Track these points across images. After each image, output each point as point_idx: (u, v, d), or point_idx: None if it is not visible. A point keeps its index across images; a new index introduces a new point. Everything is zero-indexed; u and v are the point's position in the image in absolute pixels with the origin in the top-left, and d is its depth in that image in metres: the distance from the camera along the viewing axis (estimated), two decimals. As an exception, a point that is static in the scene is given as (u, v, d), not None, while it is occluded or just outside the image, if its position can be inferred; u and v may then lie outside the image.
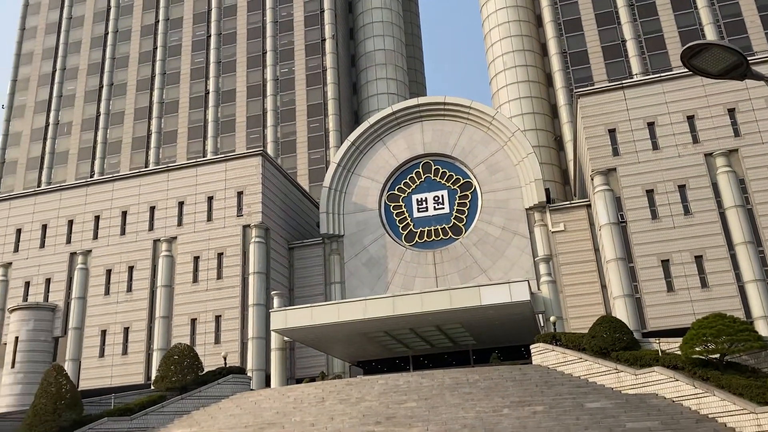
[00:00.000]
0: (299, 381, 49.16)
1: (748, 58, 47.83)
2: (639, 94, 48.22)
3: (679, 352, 30.66)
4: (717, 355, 28.67)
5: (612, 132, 47.95)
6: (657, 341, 34.35)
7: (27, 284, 57.64)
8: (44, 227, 59.09)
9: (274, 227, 55.38)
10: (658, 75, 49.11)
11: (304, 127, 78.30)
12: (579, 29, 72.01)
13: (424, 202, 55.14)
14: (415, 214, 55.10)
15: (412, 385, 35.01)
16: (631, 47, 69.04)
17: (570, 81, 70.59)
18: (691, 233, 43.94)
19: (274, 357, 47.85)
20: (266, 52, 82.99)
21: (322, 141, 77.19)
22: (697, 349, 28.49)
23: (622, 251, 45.17)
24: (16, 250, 59.02)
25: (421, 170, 56.30)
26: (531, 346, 38.35)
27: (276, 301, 46.58)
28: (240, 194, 54.64)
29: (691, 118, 46.66)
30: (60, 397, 36.64)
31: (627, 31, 69.71)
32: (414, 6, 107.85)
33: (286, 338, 47.23)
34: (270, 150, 76.95)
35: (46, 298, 56.62)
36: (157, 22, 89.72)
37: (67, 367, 52.20)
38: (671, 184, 45.42)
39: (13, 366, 52.66)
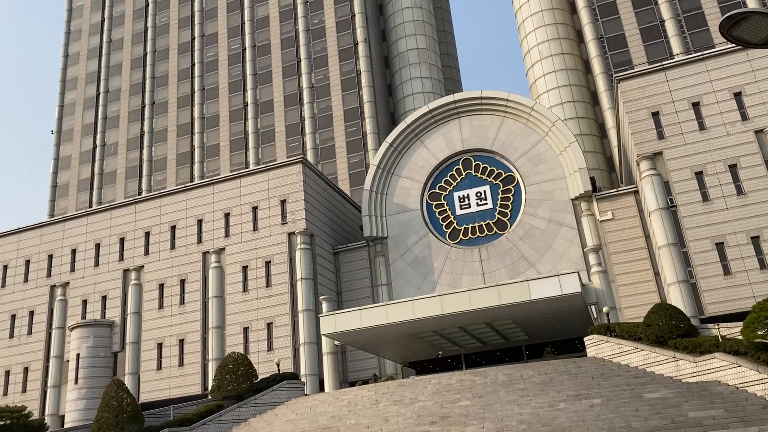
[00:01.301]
0: (352, 384, 49.37)
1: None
2: (681, 75, 46.87)
3: (740, 337, 29.59)
4: (781, 338, 27.57)
5: (655, 115, 46.73)
6: (716, 327, 33.31)
7: (84, 302, 59.51)
8: (97, 246, 60.90)
9: (318, 233, 55.81)
10: (700, 53, 47.61)
11: (341, 132, 78.76)
12: (615, 13, 70.49)
13: (466, 199, 54.74)
14: (458, 212, 54.74)
15: (465, 383, 34.73)
16: (670, 27, 67.21)
17: (609, 66, 69.15)
18: (746, 213, 42.45)
19: (326, 361, 48.20)
20: (300, 61, 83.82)
21: (360, 145, 77.50)
22: (759, 332, 27.45)
23: (673, 236, 43.95)
24: (73, 269, 60.98)
25: (461, 167, 55.93)
26: (585, 339, 37.61)
27: (325, 306, 46.89)
28: (283, 202, 55.25)
29: (738, 95, 45.11)
30: (121, 411, 37.65)
31: (665, 11, 67.90)
32: (445, 3, 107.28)
33: (336, 342, 47.50)
34: (310, 157, 77.64)
35: (103, 314, 58.32)
36: (193, 39, 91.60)
37: (127, 381, 53.69)
38: (721, 164, 43.98)
39: (76, 382, 54.37)
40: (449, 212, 55.10)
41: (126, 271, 59.07)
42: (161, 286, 57.10)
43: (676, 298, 42.26)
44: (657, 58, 64.96)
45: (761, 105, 44.23)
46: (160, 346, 55.24)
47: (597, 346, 36.14)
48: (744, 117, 44.58)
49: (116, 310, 58.11)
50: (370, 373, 51.18)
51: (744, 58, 45.33)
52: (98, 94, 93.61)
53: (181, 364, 54.04)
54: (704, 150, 44.66)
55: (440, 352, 51.90)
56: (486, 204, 54.05)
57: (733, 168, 43.80)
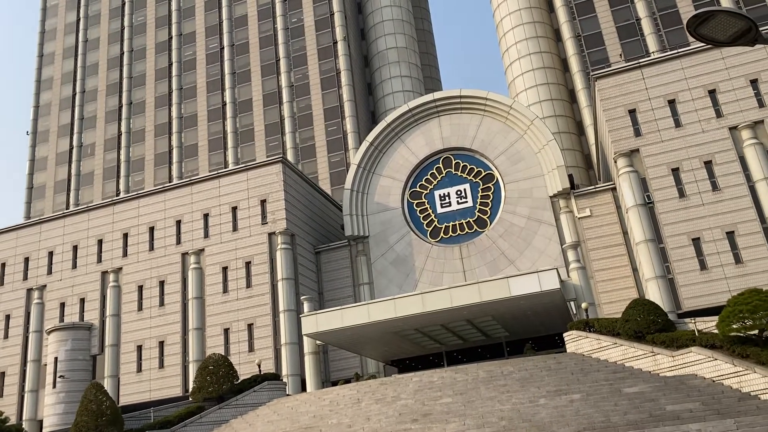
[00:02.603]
0: (334, 383, 49.32)
1: (767, 27, 46.49)
2: (657, 72, 47.44)
3: (716, 331, 30.08)
4: (755, 332, 28.07)
5: (632, 112, 47.25)
6: (693, 321, 33.79)
7: (62, 305, 58.76)
8: (75, 248, 60.16)
9: (299, 233, 55.64)
10: (676, 51, 48.23)
11: (322, 131, 78.56)
12: (592, 11, 71.09)
13: (446, 197, 54.93)
14: (439, 210, 54.91)
15: (447, 380, 34.87)
16: (646, 25, 67.94)
17: (586, 64, 69.73)
18: (721, 209, 43.09)
19: (308, 361, 48.11)
20: (279, 60, 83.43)
21: (340, 144, 77.37)
22: (734, 326, 27.91)
23: (651, 232, 44.48)
24: (50, 272, 60.18)
25: (441, 165, 56.10)
26: (564, 335, 37.94)
27: (306, 306, 46.78)
28: (263, 202, 55.00)
29: (712, 92, 45.77)
30: (101, 414, 37.26)
31: (641, 9, 68.62)
32: (423, 2, 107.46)
33: (318, 342, 47.42)
34: (290, 156, 77.35)
35: (82, 317, 57.64)
36: (170, 38, 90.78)
37: (106, 384, 53.12)
38: (697, 160, 44.60)
39: (54, 386, 53.67)
40: (430, 211, 55.26)
41: (104, 273, 58.42)
42: (140, 288, 56.57)
43: (654, 293, 42.78)
44: (634, 55, 65.65)
45: (735, 102, 44.91)
46: (139, 348, 54.74)
47: (576, 342, 36.48)
48: (718, 114, 45.24)
49: (95, 312, 57.45)
50: (352, 372, 51.16)
51: (718, 56, 45.99)
52: (74, 95, 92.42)
53: (161, 366, 53.60)
54: (680, 147, 45.25)
55: None
56: (466, 202, 54.28)
57: (708, 164, 44.43)
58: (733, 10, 7.22)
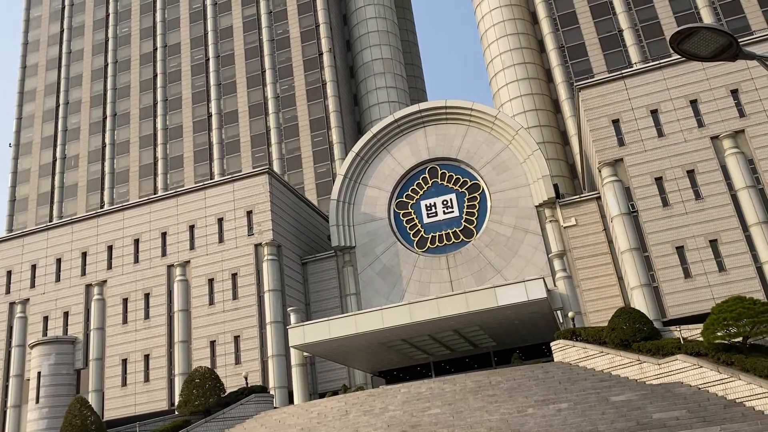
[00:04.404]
0: (322, 395, 49.12)
1: (746, 39, 47.31)
2: (640, 83, 48.02)
3: (700, 339, 30.33)
4: (740, 339, 28.34)
5: (616, 122, 47.75)
6: (678, 329, 34.04)
7: (45, 319, 58.06)
8: (59, 261, 59.56)
9: (285, 244, 55.50)
10: (658, 62, 48.87)
11: (308, 141, 78.57)
12: (575, 23, 71.90)
13: (433, 207, 55.08)
14: (425, 220, 55.03)
15: (435, 391, 34.84)
16: (628, 36, 68.82)
17: (570, 75, 70.42)
18: (704, 218, 43.58)
19: (295, 373, 47.85)
20: (265, 71, 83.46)
21: (327, 154, 77.42)
22: (718, 333, 28.17)
23: (635, 241, 44.86)
24: (33, 285, 59.50)
25: (427, 175, 56.29)
26: (551, 344, 38.07)
27: (293, 317, 46.59)
28: (249, 213, 54.84)
29: (694, 103, 46.39)
30: (85, 429, 36.82)
31: (623, 20, 69.51)
32: (408, 13, 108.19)
33: (305, 354, 47.19)
34: (276, 167, 77.25)
35: (66, 331, 56.99)
36: (155, 49, 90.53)
37: (91, 398, 52.47)
38: (679, 170, 45.11)
39: (37, 401, 52.94)
40: (416, 221, 55.37)
41: (89, 286, 57.87)
42: (125, 301, 56.06)
43: (639, 301, 43.10)
44: (617, 66, 66.43)
45: (716, 112, 45.55)
46: (124, 361, 54.17)
47: (563, 351, 36.62)
48: (700, 124, 45.84)
49: (79, 326, 56.84)
50: (339, 384, 50.97)
51: (699, 67, 46.65)
52: (57, 106, 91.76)
53: (146, 379, 53.06)
54: (663, 156, 45.77)
55: None
56: (452, 212, 54.46)
57: (691, 173, 44.96)
58: (714, 26, 7.39)
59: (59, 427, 39.95)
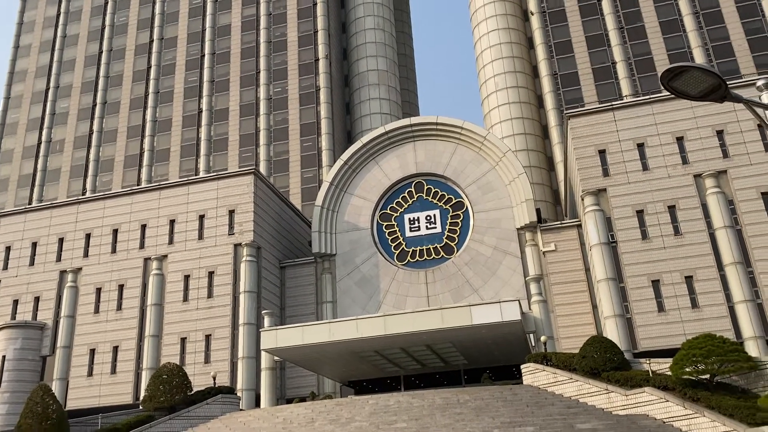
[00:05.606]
0: (289, 401, 48.79)
1: (734, 81, 48.31)
2: (629, 116, 48.69)
3: (669, 373, 30.67)
4: (707, 376, 28.70)
5: (602, 153, 48.33)
6: (647, 361, 34.36)
7: (15, 302, 57.17)
8: (34, 245, 58.78)
9: (265, 246, 55.29)
10: (648, 97, 49.66)
11: (297, 146, 78.50)
12: (570, 51, 72.81)
13: (416, 222, 55.23)
14: (408, 234, 55.14)
15: (403, 405, 34.80)
16: (621, 69, 69.81)
17: (561, 102, 71.20)
18: (681, 254, 44.15)
19: (264, 377, 47.52)
20: (260, 72, 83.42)
21: (314, 160, 77.38)
22: (687, 369, 28.52)
23: (612, 271, 45.29)
24: (5, 267, 58.63)
25: (413, 189, 56.47)
26: (522, 366, 38.26)
27: (267, 321, 46.35)
28: (231, 213, 54.59)
29: (680, 140, 47.11)
30: (46, 418, 36.23)
31: (617, 53, 70.54)
32: (407, 27, 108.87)
33: (276, 358, 46.94)
34: (262, 169, 77.06)
35: (35, 316, 56.16)
36: (151, 41, 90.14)
37: (55, 386, 51.65)
38: (661, 204, 45.71)
39: (-1, 385, 52.02)
40: (399, 233, 55.45)
41: (63, 273, 57.14)
42: (98, 290, 55.41)
43: (612, 331, 43.45)
44: (607, 97, 67.32)
45: (701, 151, 46.29)
46: (92, 351, 53.46)
47: (533, 375, 36.80)
48: (684, 161, 46.54)
49: (49, 312, 56.04)
50: (308, 391, 50.68)
51: (687, 105, 47.43)
52: (48, 89, 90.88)
53: (113, 371, 52.40)
54: (646, 190, 46.36)
55: None
56: (435, 228, 54.64)
57: (672, 209, 45.57)
58: (705, 66, 7.59)
59: (20, 413, 39.26)
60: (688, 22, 69.02)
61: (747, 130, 45.79)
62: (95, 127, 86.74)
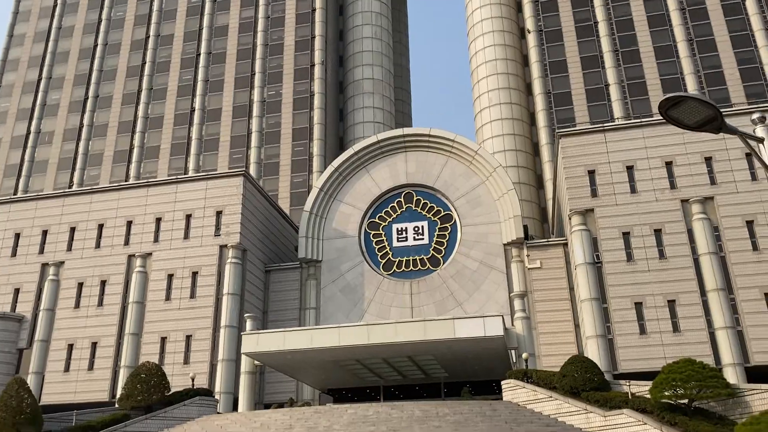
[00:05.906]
0: (267, 406, 48.49)
1: (726, 110, 48.86)
2: (619, 138, 49.10)
3: (648, 396, 30.79)
4: (685, 401, 28.86)
5: (591, 173, 48.66)
6: (627, 383, 34.49)
7: (-5, 293, 56.46)
8: (17, 236, 58.16)
9: (251, 249, 55.04)
10: (639, 120, 50.18)
11: (288, 150, 78.38)
12: (564, 71, 73.39)
13: (404, 232, 55.25)
14: (395, 243, 55.15)
15: (382, 415, 34.67)
16: (614, 91, 70.43)
17: (553, 121, 71.66)
18: (665, 277, 44.46)
19: (244, 380, 47.17)
20: (255, 74, 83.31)
21: (305, 165, 77.28)
22: (666, 393, 28.66)
23: (596, 291, 45.51)
24: (-13, 257, 57.90)
25: (402, 200, 56.53)
26: (502, 382, 38.26)
27: (249, 324, 46.07)
28: (219, 214, 54.34)
29: (669, 164, 47.56)
30: (20, 412, 35.69)
31: (611, 75, 71.19)
32: (404, 38, 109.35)
33: (256, 362, 46.62)
34: (252, 171, 76.81)
35: (14, 308, 55.49)
36: (147, 37, 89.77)
37: (30, 380, 50.96)
38: (647, 227, 46.06)
39: (-27, 376, 51.24)
40: (386, 243, 55.44)
41: (45, 266, 56.53)
42: (80, 285, 54.87)
43: (593, 351, 43.60)
44: (599, 119, 67.88)
45: (689, 176, 46.75)
46: (71, 346, 52.87)
47: (513, 391, 36.81)
48: (672, 186, 46.99)
49: (29, 304, 55.39)
50: (286, 397, 50.38)
51: (678, 130, 47.88)
52: (39, 80, 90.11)
53: (90, 368, 51.81)
54: (633, 212, 46.72)
55: None
56: (423, 239, 54.69)
57: (658, 232, 45.93)
58: (703, 98, 7.69)
59: (-7, 406, 38.64)
60: (682, 49, 69.81)
61: (735, 158, 46.33)
62: (86, 121, 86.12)
